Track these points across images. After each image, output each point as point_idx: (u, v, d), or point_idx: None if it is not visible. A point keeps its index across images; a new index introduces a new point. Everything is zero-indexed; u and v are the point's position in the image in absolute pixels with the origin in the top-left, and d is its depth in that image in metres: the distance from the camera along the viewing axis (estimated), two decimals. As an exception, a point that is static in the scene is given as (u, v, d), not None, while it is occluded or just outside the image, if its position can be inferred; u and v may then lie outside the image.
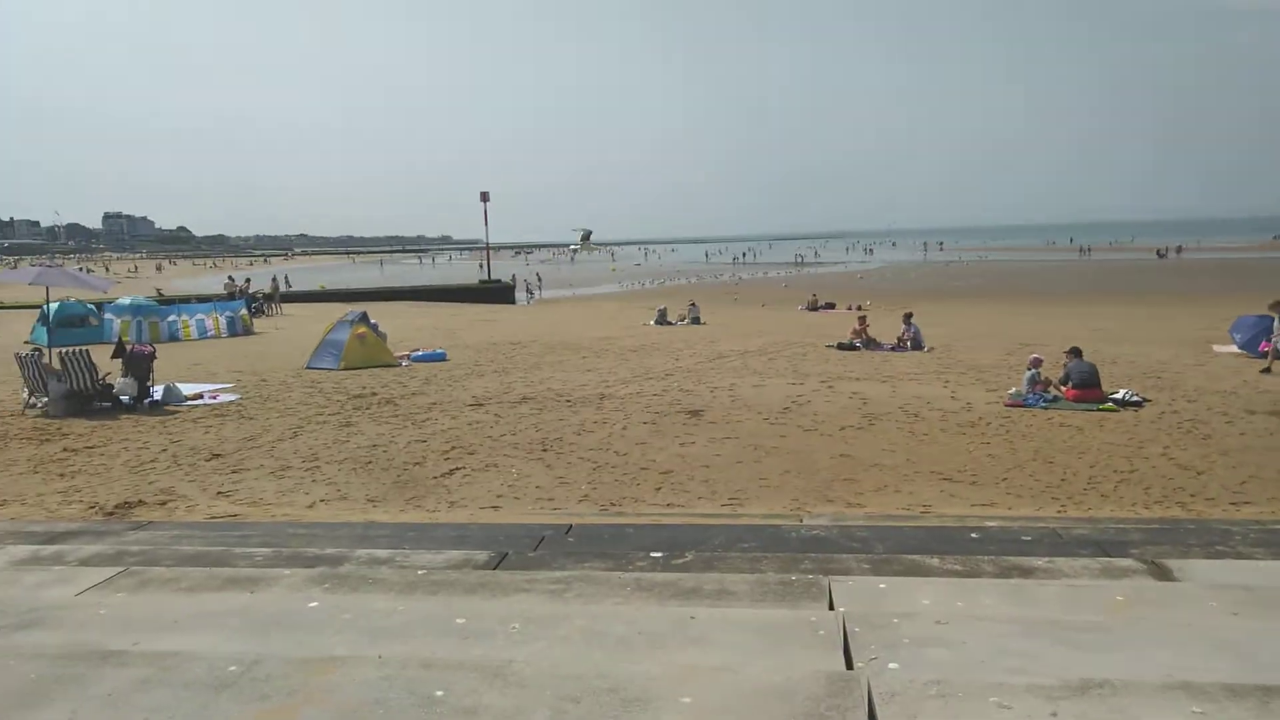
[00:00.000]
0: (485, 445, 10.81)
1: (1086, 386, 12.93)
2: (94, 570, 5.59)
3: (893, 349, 20.27)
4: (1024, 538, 6.42)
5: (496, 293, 51.92)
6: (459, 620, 4.27)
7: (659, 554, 5.92)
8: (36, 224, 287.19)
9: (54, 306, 23.56)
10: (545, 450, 10.48)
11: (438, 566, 5.66)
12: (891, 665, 3.59)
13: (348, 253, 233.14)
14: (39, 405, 13.68)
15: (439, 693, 3.31)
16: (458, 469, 9.72)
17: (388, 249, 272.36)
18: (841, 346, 20.62)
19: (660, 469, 9.53)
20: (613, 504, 8.32)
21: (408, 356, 19.83)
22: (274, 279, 52.53)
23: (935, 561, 5.54)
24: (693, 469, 9.51)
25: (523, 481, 9.16)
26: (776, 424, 11.73)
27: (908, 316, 21.11)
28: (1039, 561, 5.51)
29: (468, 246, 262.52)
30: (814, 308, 36.07)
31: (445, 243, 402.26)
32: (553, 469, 9.63)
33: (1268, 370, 15.46)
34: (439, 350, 20.73)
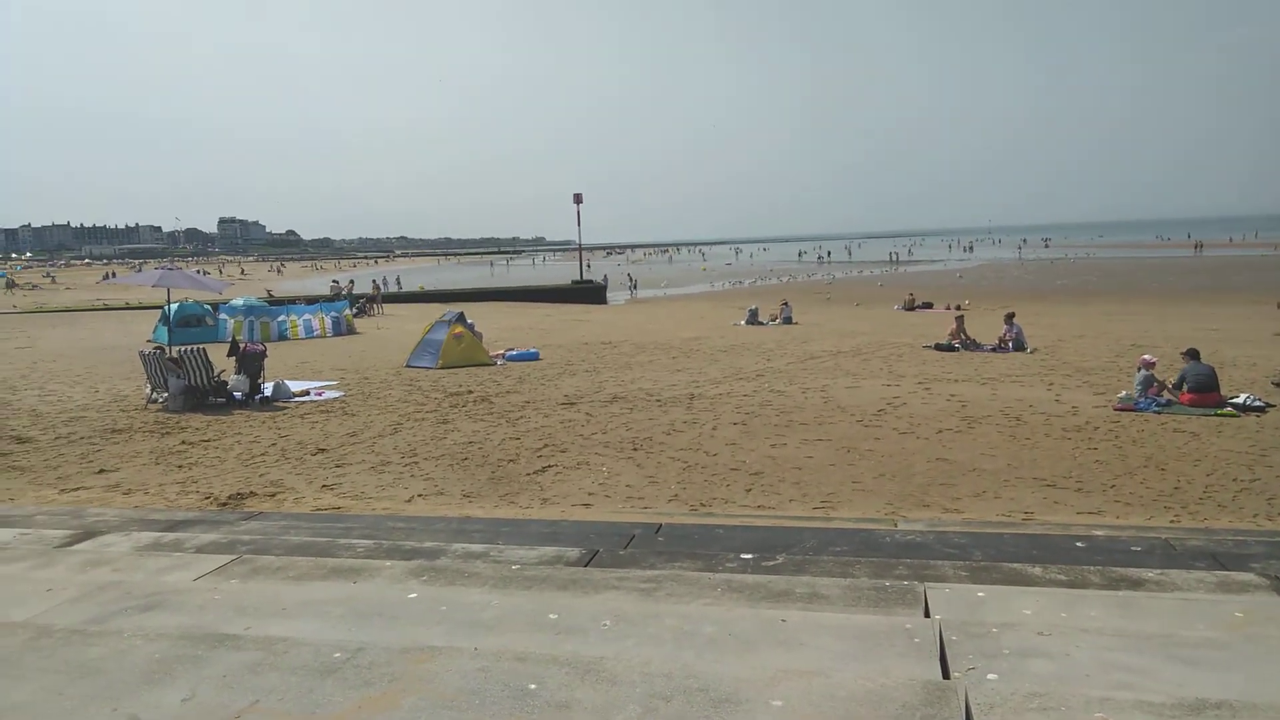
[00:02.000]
0: (577, 444, 10.95)
1: (1204, 390, 12.27)
2: (210, 557, 5.90)
3: (993, 350, 19.64)
4: (1134, 548, 6.14)
5: (589, 293, 52.41)
6: (551, 616, 4.34)
7: (749, 555, 5.89)
8: (158, 229, 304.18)
9: (174, 307, 24.93)
10: (636, 449, 10.55)
11: (531, 562, 5.77)
12: (990, 676, 3.49)
13: (445, 254, 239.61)
14: (160, 400, 14.50)
15: (532, 686, 3.37)
16: (550, 466, 9.87)
17: (483, 250, 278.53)
18: (939, 347, 20.08)
19: (751, 470, 9.48)
20: (703, 504, 8.31)
21: (502, 356, 20.23)
22: (374, 281, 54.38)
23: (1037, 571, 5.35)
24: (784, 470, 9.43)
25: (613, 480, 9.24)
26: (871, 426, 11.52)
27: (1009, 316, 20.43)
28: (1150, 574, 5.26)
29: (560, 248, 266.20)
30: (910, 307, 35.22)
31: (539, 244, 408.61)
32: (643, 468, 9.69)
33: None
34: (532, 350, 21.08)
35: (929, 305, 35.51)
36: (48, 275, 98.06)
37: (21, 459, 10.81)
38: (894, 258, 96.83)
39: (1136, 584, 5.08)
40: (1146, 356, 13.17)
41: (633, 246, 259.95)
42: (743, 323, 29.37)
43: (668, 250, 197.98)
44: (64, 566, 5.72)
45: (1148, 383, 12.53)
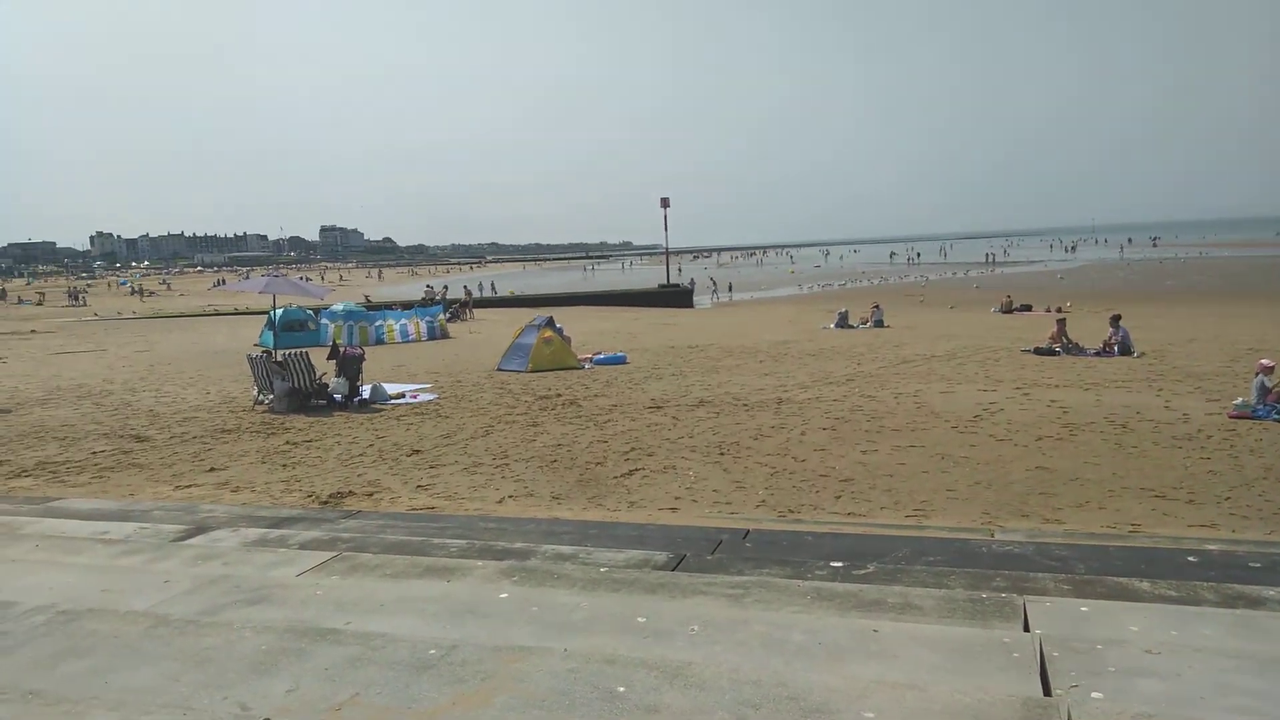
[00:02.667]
0: (663, 447, 10.97)
1: (1331, 397, 11.50)
2: (312, 554, 6.13)
3: (1097, 354, 18.86)
4: (1251, 564, 5.81)
5: (676, 296, 52.49)
6: (640, 619, 4.36)
7: (839, 563, 5.80)
8: (264, 237, 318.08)
9: (279, 312, 26.01)
10: (722, 454, 10.51)
11: (619, 565, 5.80)
12: (1095, 695, 3.36)
13: (533, 259, 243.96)
14: (266, 402, 15.15)
15: (621, 689, 3.40)
16: (637, 470, 9.92)
17: (571, 255, 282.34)
18: (1039, 351, 19.40)
19: (840, 476, 9.33)
20: (791, 510, 8.22)
21: (590, 359, 20.43)
22: (465, 286, 55.69)
23: (1145, 585, 5.11)
24: (875, 478, 9.25)
25: (700, 484, 9.23)
26: (966, 433, 11.20)
27: (1115, 319, 19.57)
28: (1270, 591, 4.96)
29: (647, 251, 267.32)
30: (1008, 310, 34.10)
31: (626, 248, 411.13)
32: (730, 473, 9.64)
33: None
34: (620, 353, 21.23)
35: (1028, 308, 34.32)
36: (163, 282, 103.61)
37: (141, 456, 11.45)
38: (990, 258, 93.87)
39: (1256, 602, 4.80)
40: (1265, 361, 12.43)
41: (720, 250, 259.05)
42: (832, 326, 28.95)
43: (755, 253, 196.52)
44: (178, 560, 6.02)
45: (1265, 388, 11.83)
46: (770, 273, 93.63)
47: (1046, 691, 3.42)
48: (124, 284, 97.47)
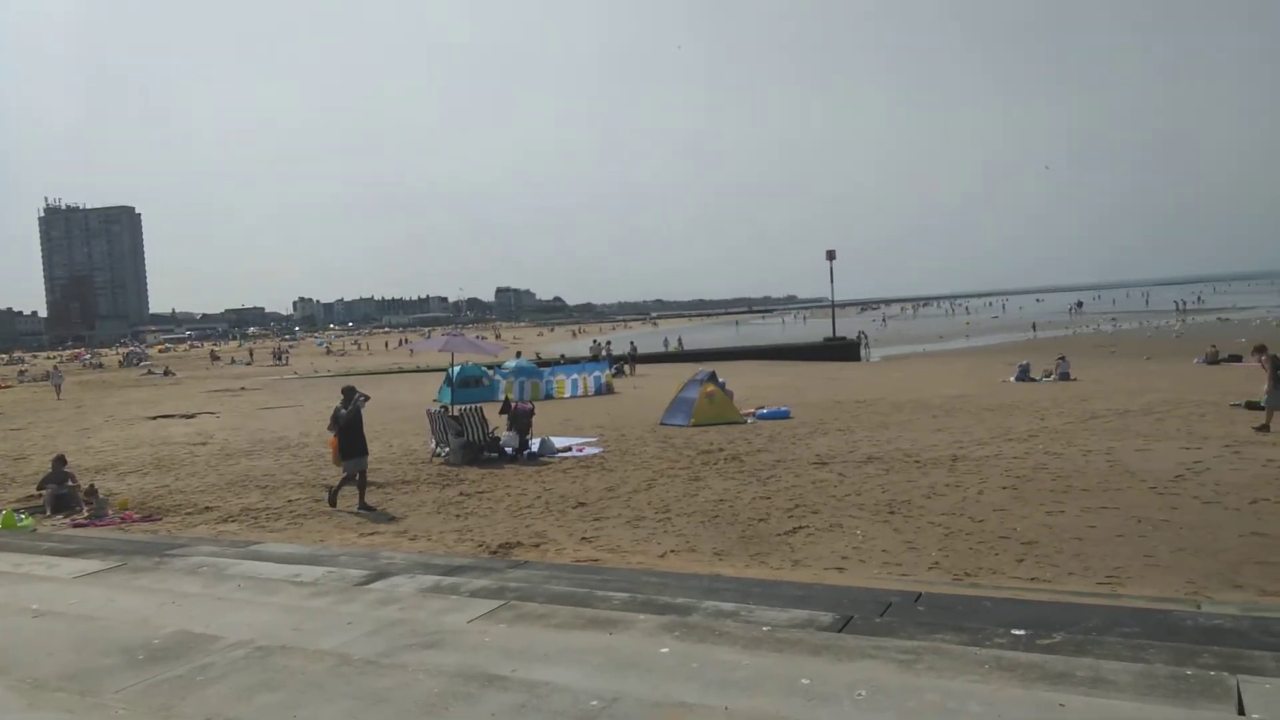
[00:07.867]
0: (829, 504, 10.68)
1: None
2: (481, 601, 6.34)
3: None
4: None
5: (842, 350, 51.48)
6: (804, 680, 4.23)
7: (1021, 632, 5.42)
8: (444, 299, 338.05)
9: (457, 369, 27.40)
10: (892, 513, 10.11)
11: (782, 625, 5.66)
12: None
13: (697, 314, 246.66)
14: (442, 455, 15.94)
15: (783, 752, 3.29)
16: (801, 527, 9.69)
17: (735, 310, 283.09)
18: (1251, 406, 17.55)
19: (1022, 539, 8.75)
20: (967, 574, 7.78)
21: (753, 414, 20.26)
22: (632, 342, 56.91)
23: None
24: (1061, 541, 8.61)
25: (868, 544, 8.90)
26: (1166, 494, 10.26)
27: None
28: None
29: (813, 305, 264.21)
30: (1214, 360, 31.21)
31: (790, 302, 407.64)
32: (900, 533, 9.25)
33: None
34: (784, 408, 20.94)
35: (1236, 358, 31.28)
36: (355, 343, 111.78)
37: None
38: (1180, 306, 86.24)
39: None
40: None
41: (888, 301, 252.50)
42: (1013, 379, 27.46)
43: (927, 304, 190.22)
44: (361, 603, 6.38)
45: None
46: (942, 325, 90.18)
47: (1269, 787, 3.04)
48: (320, 344, 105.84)
